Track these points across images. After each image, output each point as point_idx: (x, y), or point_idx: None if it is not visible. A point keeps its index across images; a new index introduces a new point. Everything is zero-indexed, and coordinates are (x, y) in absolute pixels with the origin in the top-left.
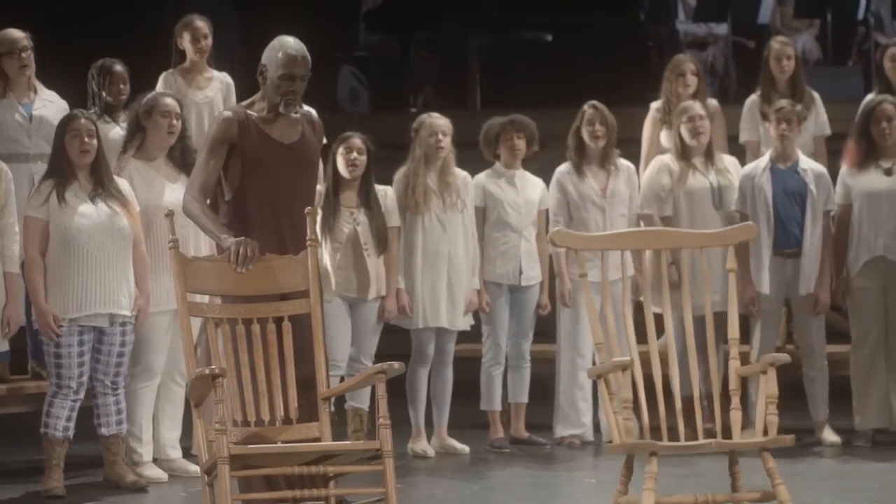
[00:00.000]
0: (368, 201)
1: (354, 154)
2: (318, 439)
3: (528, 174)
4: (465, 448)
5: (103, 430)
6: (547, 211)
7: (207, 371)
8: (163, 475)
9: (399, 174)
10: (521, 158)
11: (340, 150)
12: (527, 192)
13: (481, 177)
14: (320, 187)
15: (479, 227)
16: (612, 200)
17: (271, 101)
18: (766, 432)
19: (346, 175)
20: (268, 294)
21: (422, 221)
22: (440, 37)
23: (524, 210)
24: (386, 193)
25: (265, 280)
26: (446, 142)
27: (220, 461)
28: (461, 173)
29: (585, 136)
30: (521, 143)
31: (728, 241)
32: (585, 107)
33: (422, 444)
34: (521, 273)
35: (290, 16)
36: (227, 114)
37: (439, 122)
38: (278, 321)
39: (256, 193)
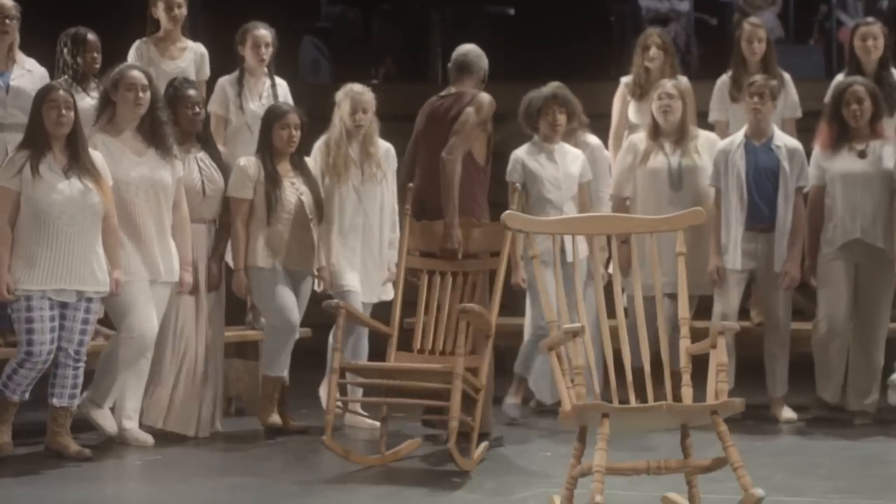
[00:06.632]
0: (303, 171)
1: (292, 130)
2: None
3: (567, 147)
4: (375, 423)
5: (55, 401)
6: (588, 184)
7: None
8: (149, 438)
9: (319, 142)
10: (560, 133)
11: (276, 125)
12: (567, 166)
13: (521, 153)
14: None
15: (520, 204)
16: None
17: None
18: (716, 397)
19: (285, 150)
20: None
21: (339, 192)
22: (402, 9)
23: (564, 185)
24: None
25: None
26: (366, 118)
27: (333, 371)
28: (384, 145)
29: (546, 126)
30: (562, 118)
31: (677, 226)
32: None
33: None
34: (563, 250)
35: None
36: (491, 97)
37: (361, 97)
38: (463, 275)
39: None
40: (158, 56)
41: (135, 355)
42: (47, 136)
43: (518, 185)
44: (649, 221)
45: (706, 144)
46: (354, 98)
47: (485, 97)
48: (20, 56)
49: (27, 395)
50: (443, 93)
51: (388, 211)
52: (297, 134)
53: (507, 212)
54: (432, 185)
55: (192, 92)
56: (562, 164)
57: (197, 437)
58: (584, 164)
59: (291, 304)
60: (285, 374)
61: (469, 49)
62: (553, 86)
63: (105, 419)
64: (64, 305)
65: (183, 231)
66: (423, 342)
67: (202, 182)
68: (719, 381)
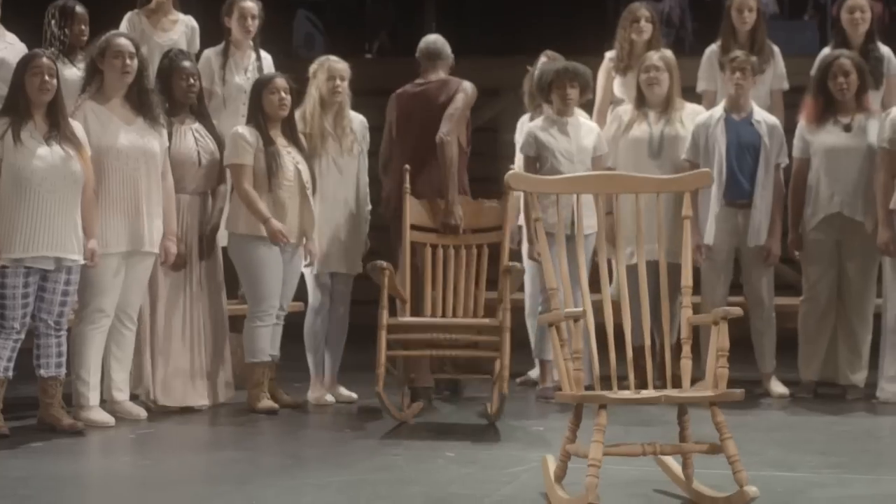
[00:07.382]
0: (297, 143)
1: (281, 93)
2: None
3: (582, 120)
4: (353, 395)
5: (42, 372)
6: (602, 157)
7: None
8: (109, 419)
9: (295, 116)
10: (573, 106)
11: (265, 91)
12: (580, 139)
13: (533, 125)
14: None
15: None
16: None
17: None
18: (715, 385)
19: (277, 115)
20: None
21: (318, 165)
22: None
23: (577, 158)
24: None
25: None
26: (343, 86)
27: (380, 328)
28: (357, 117)
29: (558, 100)
30: (573, 92)
31: (685, 187)
32: (556, 70)
33: (319, 393)
34: (573, 223)
35: None
36: (474, 86)
37: (338, 66)
38: (466, 247)
39: None
40: (150, 28)
41: (96, 329)
42: (29, 103)
43: (514, 162)
44: (656, 182)
45: (692, 115)
46: (330, 66)
47: (470, 85)
48: (2, 30)
49: (10, 373)
50: (419, 80)
51: (363, 185)
52: (287, 98)
53: (511, 172)
54: (420, 167)
55: (186, 63)
56: (575, 137)
57: (212, 406)
58: (599, 137)
59: (275, 291)
60: (270, 356)
61: (436, 38)
62: (556, 57)
63: (97, 414)
64: (44, 277)
65: (168, 202)
66: (434, 309)
67: (198, 153)
68: (719, 368)
